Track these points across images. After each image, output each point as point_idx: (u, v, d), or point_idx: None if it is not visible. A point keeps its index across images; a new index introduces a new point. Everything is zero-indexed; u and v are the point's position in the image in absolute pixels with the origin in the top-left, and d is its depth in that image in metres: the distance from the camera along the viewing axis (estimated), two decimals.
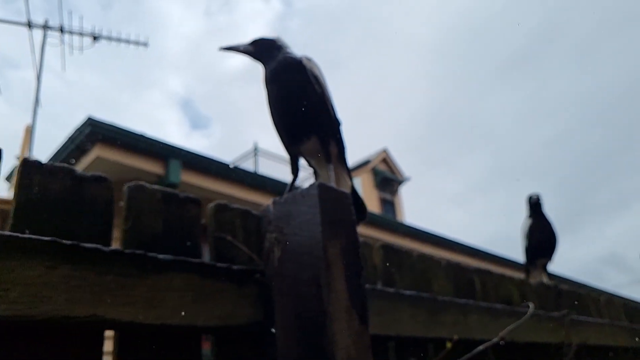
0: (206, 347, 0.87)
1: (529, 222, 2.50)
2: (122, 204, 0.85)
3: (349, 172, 1.12)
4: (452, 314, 1.34)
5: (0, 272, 0.62)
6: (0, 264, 0.62)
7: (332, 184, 1.00)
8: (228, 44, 1.11)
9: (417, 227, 9.05)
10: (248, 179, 6.37)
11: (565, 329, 1.80)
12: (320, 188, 0.87)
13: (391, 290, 1.20)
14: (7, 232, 0.65)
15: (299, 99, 1.00)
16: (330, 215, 0.87)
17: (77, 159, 5.39)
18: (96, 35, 6.88)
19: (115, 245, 0.79)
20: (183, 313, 0.78)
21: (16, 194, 0.72)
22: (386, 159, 13.95)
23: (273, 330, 0.87)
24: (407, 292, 1.24)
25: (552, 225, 2.47)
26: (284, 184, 6.66)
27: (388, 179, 13.38)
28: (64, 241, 0.69)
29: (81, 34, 6.82)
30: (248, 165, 9.84)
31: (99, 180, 0.81)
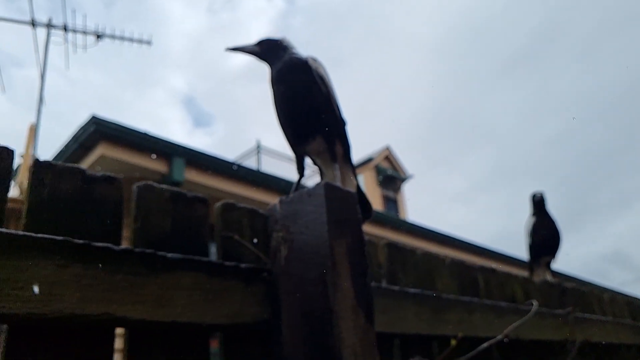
0: (214, 346, 0.89)
1: (532, 220, 2.51)
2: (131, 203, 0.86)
3: (355, 171, 1.13)
4: (457, 312, 1.34)
5: (14, 270, 0.63)
6: (14, 262, 0.64)
7: (338, 183, 1.00)
8: (234, 45, 1.12)
9: (420, 225, 9.05)
10: (251, 177, 6.39)
11: (569, 326, 1.80)
12: (327, 187, 0.88)
13: (396, 288, 1.21)
14: (20, 232, 0.66)
15: (304, 99, 1.01)
16: (336, 214, 0.88)
17: (82, 157, 5.41)
18: (100, 33, 6.90)
19: (124, 244, 0.80)
20: (192, 311, 0.79)
21: (28, 194, 0.73)
22: (389, 157, 13.94)
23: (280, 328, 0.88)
24: (412, 290, 1.25)
25: (555, 223, 2.47)
26: (287, 182, 6.68)
27: (391, 177, 13.37)
28: (76, 240, 0.70)
29: (85, 33, 6.84)
30: (251, 163, 9.86)
31: (108, 180, 0.82)
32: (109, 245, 0.73)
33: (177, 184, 5.39)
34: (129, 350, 0.77)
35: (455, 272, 1.57)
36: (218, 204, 0.99)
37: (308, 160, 1.12)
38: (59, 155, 5.68)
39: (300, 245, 0.89)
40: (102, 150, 5.16)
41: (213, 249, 0.97)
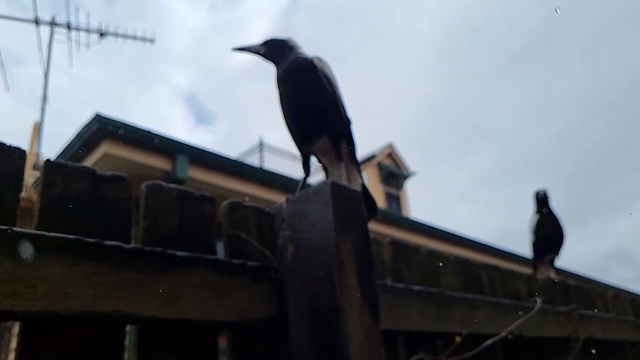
0: (222, 343, 0.90)
1: (536, 217, 2.51)
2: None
3: (360, 169, 1.14)
4: (461, 309, 1.35)
5: (28, 269, 0.65)
6: (27, 261, 0.65)
7: (344, 182, 1.01)
8: (240, 45, 1.13)
9: (423, 222, 9.06)
10: (255, 175, 6.40)
11: (572, 323, 1.81)
12: (333, 186, 0.89)
13: (400, 285, 1.22)
14: (34, 231, 0.67)
15: (310, 99, 1.02)
16: (342, 212, 0.89)
17: (85, 155, 5.43)
18: (103, 31, 6.92)
19: (132, 243, 0.81)
20: (201, 308, 0.80)
21: (40, 194, 0.74)
22: (392, 154, 13.94)
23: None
24: (416, 288, 1.26)
25: (559, 221, 2.48)
26: (290, 180, 6.69)
27: (393, 174, 13.37)
28: (87, 239, 0.71)
29: (88, 31, 6.86)
30: (253, 161, 9.88)
31: (118, 179, 0.83)
32: (120, 244, 0.74)
33: (180, 181, 5.40)
34: (139, 347, 0.78)
35: (459, 269, 1.57)
36: (225, 203, 1.00)
37: (313, 159, 1.13)
38: (62, 154, 5.70)
39: (307, 243, 0.90)
40: (105, 148, 5.18)
41: (220, 248, 0.99)
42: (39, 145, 6.42)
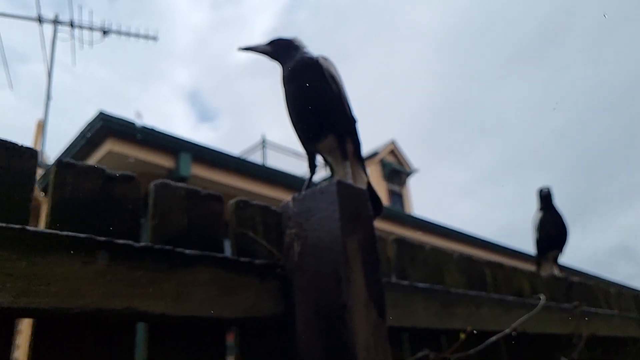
0: (229, 339, 0.91)
1: (539, 214, 2.52)
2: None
3: (365, 168, 1.14)
4: (465, 306, 1.36)
5: (42, 267, 0.66)
6: (41, 259, 0.66)
7: (350, 180, 1.02)
8: (246, 44, 1.14)
9: (426, 220, 9.07)
10: (258, 172, 6.42)
11: (575, 320, 1.82)
12: (339, 185, 0.90)
13: (405, 283, 1.23)
14: (47, 230, 0.68)
15: (316, 98, 1.03)
16: (348, 211, 0.90)
17: (89, 153, 5.46)
18: (106, 29, 6.93)
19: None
20: (210, 305, 0.82)
21: (52, 193, 0.75)
22: (394, 151, 13.93)
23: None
24: (421, 285, 1.27)
25: (562, 218, 2.48)
26: (293, 177, 6.70)
27: (396, 171, 13.37)
28: (99, 238, 0.72)
29: (91, 29, 6.88)
30: (256, 158, 9.90)
31: (127, 179, 0.84)
32: (130, 242, 0.76)
33: (183, 179, 5.42)
34: (149, 344, 0.80)
35: (463, 266, 1.58)
36: (232, 202, 1.01)
37: (319, 158, 1.14)
38: (66, 151, 5.73)
39: (314, 241, 0.91)
40: (109, 146, 5.20)
41: (227, 246, 1.00)
42: (43, 143, 6.45)
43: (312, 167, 1.09)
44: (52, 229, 0.71)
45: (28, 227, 0.66)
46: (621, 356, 2.18)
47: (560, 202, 2.56)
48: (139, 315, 0.75)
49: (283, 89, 1.07)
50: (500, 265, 1.76)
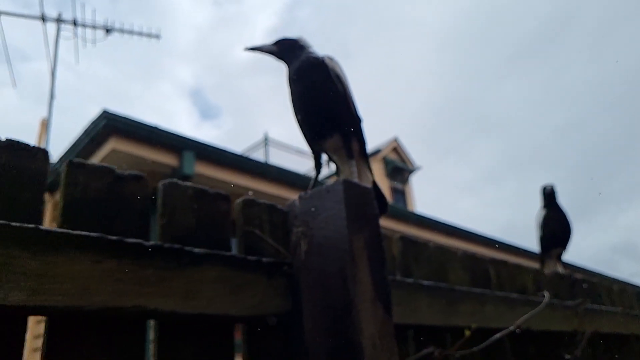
0: (237, 337, 0.92)
1: (543, 212, 2.52)
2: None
3: (370, 166, 1.15)
4: (469, 304, 1.37)
5: (54, 265, 0.67)
6: (53, 258, 0.67)
7: (355, 179, 1.03)
8: (252, 45, 1.14)
9: (428, 217, 9.07)
10: (262, 170, 6.43)
11: (579, 317, 1.83)
12: (345, 184, 0.91)
13: (410, 280, 1.24)
14: (59, 229, 0.70)
15: (321, 98, 1.04)
16: (354, 210, 0.91)
17: (93, 151, 5.48)
18: (109, 28, 6.94)
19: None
20: (218, 303, 0.83)
21: (63, 193, 0.77)
22: (397, 148, 13.92)
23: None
24: (426, 283, 1.28)
25: (566, 216, 2.49)
26: (296, 175, 6.71)
27: (399, 168, 13.36)
28: (109, 237, 0.73)
29: (94, 27, 6.89)
30: (258, 156, 9.91)
31: (136, 178, 0.86)
32: (140, 241, 0.77)
33: (187, 177, 5.44)
34: (158, 341, 0.81)
35: (467, 264, 1.59)
36: (239, 200, 1.02)
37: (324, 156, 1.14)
38: (70, 150, 5.75)
39: (320, 240, 0.92)
40: (113, 144, 5.22)
41: (234, 244, 1.01)
42: (47, 142, 6.48)
43: (318, 166, 1.10)
44: (64, 229, 0.73)
45: (41, 227, 0.68)
46: (624, 353, 2.18)
47: (562, 200, 2.56)
48: (149, 313, 0.76)
49: (289, 88, 1.08)
50: (504, 263, 1.77)
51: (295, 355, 0.92)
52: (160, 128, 5.52)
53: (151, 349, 0.82)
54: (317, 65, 1.05)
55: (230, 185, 5.86)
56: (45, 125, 6.45)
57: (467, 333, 1.21)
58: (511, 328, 1.36)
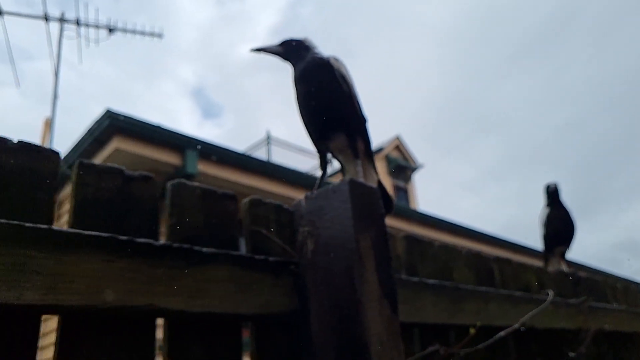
0: (245, 335, 0.94)
1: (547, 210, 2.53)
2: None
3: (375, 166, 1.16)
4: (474, 302, 1.38)
5: (66, 265, 0.68)
6: (66, 258, 0.68)
7: (361, 179, 1.04)
8: (258, 46, 1.15)
9: (431, 215, 9.07)
10: (265, 169, 6.44)
11: (582, 315, 1.83)
12: (351, 184, 0.92)
13: (415, 279, 1.25)
14: (72, 230, 0.71)
15: (327, 98, 1.05)
16: (360, 209, 0.92)
17: (96, 151, 5.50)
18: (112, 27, 6.96)
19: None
20: (226, 302, 0.84)
21: (74, 194, 0.78)
22: (399, 146, 13.91)
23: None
24: (430, 281, 1.28)
25: (570, 214, 2.49)
26: (299, 173, 6.72)
27: (401, 166, 13.36)
28: (120, 237, 0.75)
29: (97, 27, 6.90)
30: (261, 154, 9.92)
31: (145, 179, 0.87)
32: (150, 241, 0.78)
33: (190, 176, 5.46)
34: (168, 340, 0.82)
35: (472, 263, 1.60)
36: (245, 200, 1.03)
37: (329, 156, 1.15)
38: (74, 149, 5.77)
39: (326, 239, 0.93)
40: (116, 143, 5.24)
41: (241, 243, 1.02)
42: (50, 142, 6.50)
43: (324, 166, 1.11)
44: (76, 229, 0.74)
45: (54, 227, 0.69)
46: (628, 351, 2.19)
47: (565, 198, 2.57)
48: (159, 312, 0.77)
49: (294, 89, 1.09)
50: (508, 261, 1.78)
51: (302, 354, 0.93)
52: (163, 127, 5.53)
53: (162, 347, 0.83)
54: (323, 66, 1.06)
55: (233, 184, 5.87)
56: (49, 124, 6.47)
57: (472, 331, 1.22)
58: (515, 326, 1.37)
